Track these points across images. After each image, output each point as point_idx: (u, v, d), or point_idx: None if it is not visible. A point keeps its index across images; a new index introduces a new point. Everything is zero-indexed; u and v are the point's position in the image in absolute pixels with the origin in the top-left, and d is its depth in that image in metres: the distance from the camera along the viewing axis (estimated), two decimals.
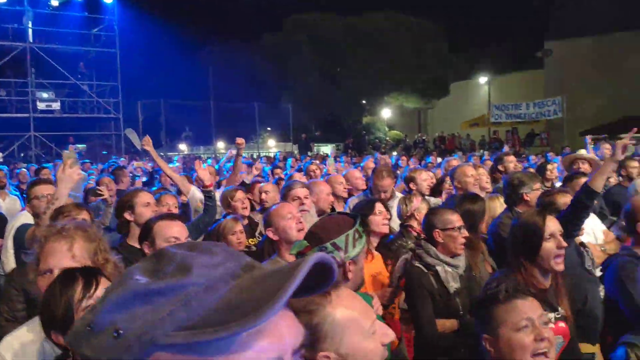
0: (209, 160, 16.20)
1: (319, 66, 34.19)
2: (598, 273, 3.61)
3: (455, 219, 3.44)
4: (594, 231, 4.41)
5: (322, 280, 0.79)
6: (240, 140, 6.51)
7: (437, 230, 3.40)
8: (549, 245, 2.82)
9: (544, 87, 32.87)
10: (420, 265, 3.39)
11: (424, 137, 34.55)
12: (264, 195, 5.23)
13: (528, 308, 2.00)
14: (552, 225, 2.88)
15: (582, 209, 3.45)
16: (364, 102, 37.67)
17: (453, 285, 3.33)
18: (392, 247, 4.17)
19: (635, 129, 3.87)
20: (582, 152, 7.47)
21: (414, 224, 4.37)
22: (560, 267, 2.84)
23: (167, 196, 4.95)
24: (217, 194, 5.39)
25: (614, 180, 6.66)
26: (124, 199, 4.13)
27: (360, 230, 2.30)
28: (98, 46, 28.21)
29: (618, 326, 2.91)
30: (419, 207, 4.46)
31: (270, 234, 3.23)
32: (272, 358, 0.72)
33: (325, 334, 1.48)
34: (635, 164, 6.42)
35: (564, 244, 2.87)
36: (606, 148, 7.88)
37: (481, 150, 25.20)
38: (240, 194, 5.15)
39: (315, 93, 34.09)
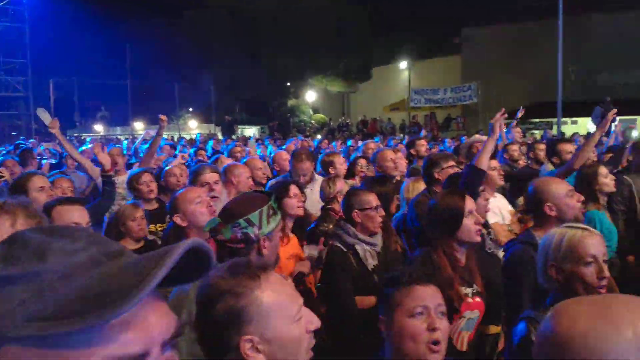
0: (125, 142, 15.60)
1: (242, 46, 33.61)
2: (502, 253, 3.73)
3: (372, 199, 3.57)
4: (501, 211, 4.59)
5: (201, 267, 0.74)
6: (163, 117, 6.28)
7: (355, 210, 3.52)
8: (468, 222, 2.97)
9: (460, 73, 33.96)
10: (340, 245, 3.49)
11: (347, 121, 34.93)
12: (173, 179, 5.09)
13: (427, 295, 1.98)
14: (470, 203, 3.05)
15: (471, 188, 3.59)
16: (288, 84, 37.51)
17: (371, 262, 3.46)
18: (316, 231, 4.19)
19: (503, 109, 4.10)
20: (477, 136, 7.86)
21: (336, 207, 4.38)
22: (478, 238, 3.04)
23: (62, 179, 4.75)
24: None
25: (522, 162, 6.96)
26: (16, 183, 3.92)
27: (275, 207, 2.29)
28: (5, 21, 26.52)
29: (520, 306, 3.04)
30: (342, 189, 4.47)
31: (179, 220, 3.09)
32: (137, 351, 0.68)
33: (251, 318, 1.46)
34: (543, 146, 6.72)
35: (481, 219, 3.08)
36: (517, 132, 8.26)
37: (401, 134, 25.81)
38: (146, 177, 4.96)
39: (238, 73, 33.55)
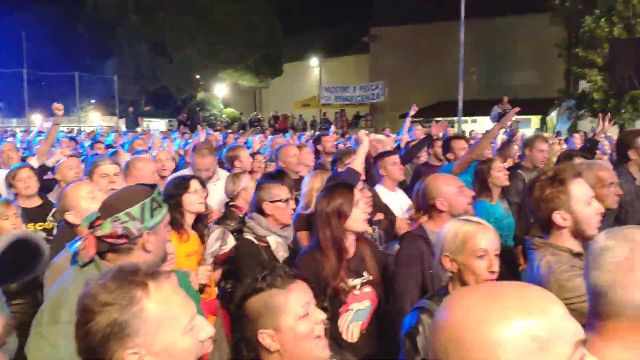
0: (18, 136, 14.61)
1: (147, 35, 32.42)
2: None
3: (282, 192, 3.64)
4: (402, 206, 4.73)
5: (34, 258, 0.68)
6: (58, 105, 5.89)
7: (265, 202, 3.57)
8: (357, 211, 3.02)
9: (369, 72, 34.70)
10: (251, 237, 3.53)
11: (259, 116, 34.73)
12: (71, 173, 4.83)
13: (304, 292, 1.87)
14: (358, 193, 3.14)
15: None
16: (197, 76, 36.66)
17: (282, 255, 3.51)
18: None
19: (366, 132, 4.35)
20: (379, 136, 8.15)
21: (241, 203, 4.30)
22: (367, 227, 3.15)
23: None
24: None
25: (423, 159, 7.13)
26: None
27: (160, 200, 2.17)
28: None
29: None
30: (247, 186, 4.39)
31: (71, 218, 2.88)
32: None
33: (137, 331, 1.35)
34: (440, 143, 6.91)
35: (369, 209, 3.24)
36: (418, 130, 8.51)
37: (312, 130, 26.01)
38: (23, 173, 4.71)
39: (143, 64, 32.35)
